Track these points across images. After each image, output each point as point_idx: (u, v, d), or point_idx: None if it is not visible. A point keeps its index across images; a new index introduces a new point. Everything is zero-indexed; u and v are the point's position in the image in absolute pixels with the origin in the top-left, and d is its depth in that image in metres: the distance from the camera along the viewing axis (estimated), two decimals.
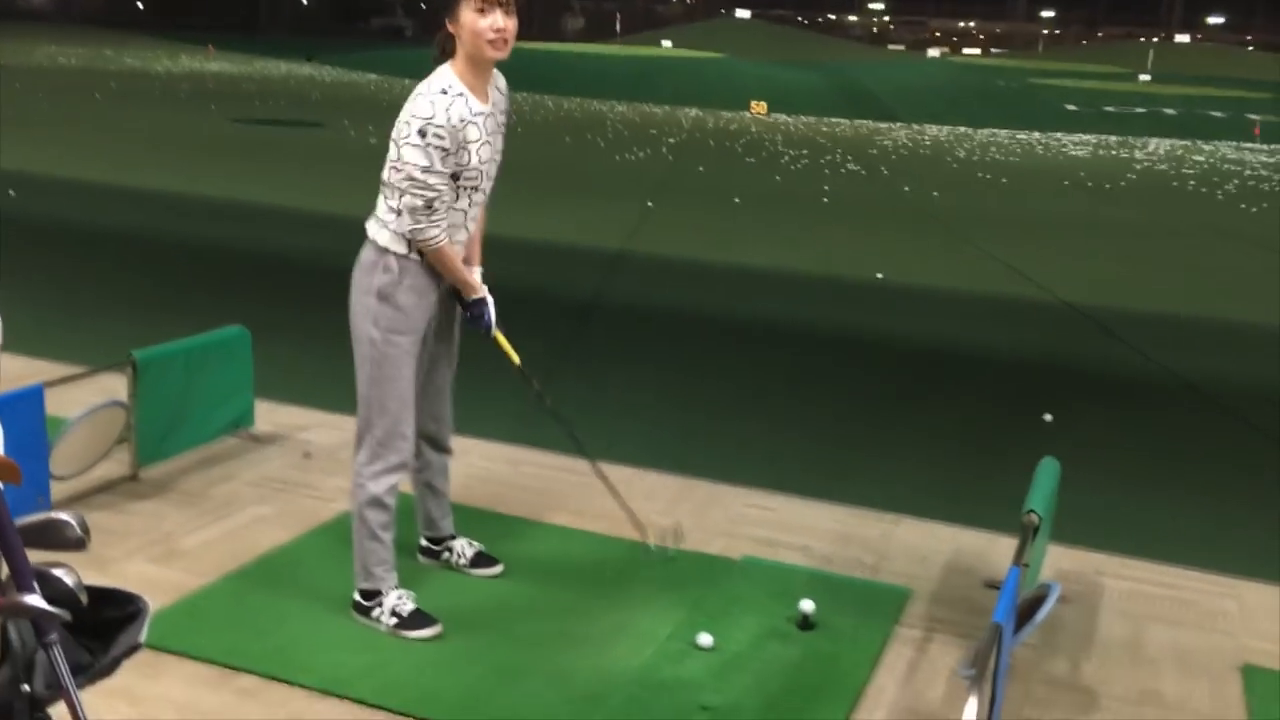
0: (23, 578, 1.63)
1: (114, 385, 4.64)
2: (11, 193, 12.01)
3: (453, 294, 3.56)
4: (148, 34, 69.62)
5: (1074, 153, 29.33)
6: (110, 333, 6.47)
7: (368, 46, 61.45)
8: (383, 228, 3.34)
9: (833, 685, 3.28)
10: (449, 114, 3.20)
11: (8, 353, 5.66)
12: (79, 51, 47.61)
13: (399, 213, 3.29)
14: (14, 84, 28.25)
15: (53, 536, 1.73)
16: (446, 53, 3.33)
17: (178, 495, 4.40)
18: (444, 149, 3.20)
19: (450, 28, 3.27)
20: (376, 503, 3.46)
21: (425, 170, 3.20)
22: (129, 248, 9.96)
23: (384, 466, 3.45)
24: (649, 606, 3.69)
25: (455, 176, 3.29)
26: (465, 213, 3.41)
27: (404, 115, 3.23)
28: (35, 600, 1.61)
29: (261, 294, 8.29)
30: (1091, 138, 35.24)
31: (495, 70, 3.42)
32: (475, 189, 3.38)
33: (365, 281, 3.36)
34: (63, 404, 4.37)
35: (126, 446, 4.44)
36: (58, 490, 4.14)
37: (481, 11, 3.20)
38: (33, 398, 4.01)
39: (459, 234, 3.43)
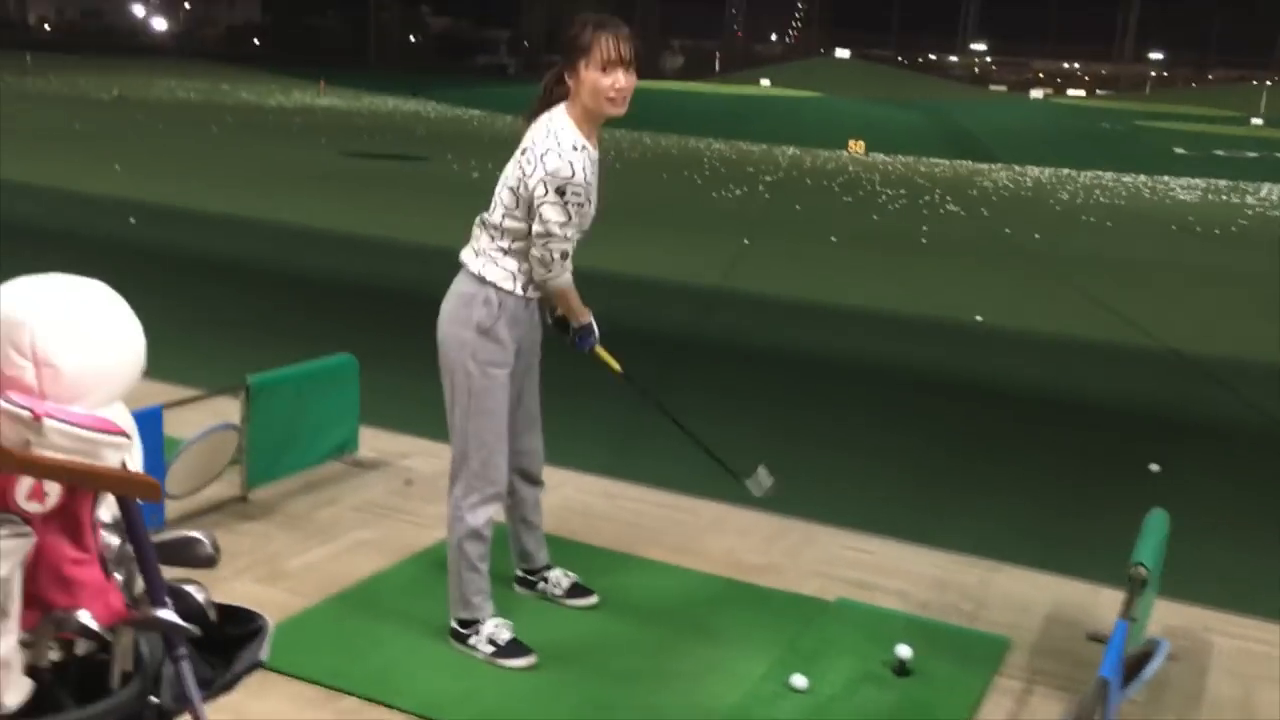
0: (157, 592, 1.70)
1: (228, 408, 4.79)
2: (132, 220, 12.51)
3: (557, 323, 3.65)
4: (263, 69, 72.05)
5: (1182, 197, 28.59)
6: (225, 357, 6.69)
7: (472, 83, 62.73)
8: (490, 264, 3.41)
9: None
10: (585, 172, 3.32)
11: None
12: (198, 85, 49.44)
13: (510, 254, 3.39)
14: (135, 115, 29.45)
15: (186, 554, 1.81)
16: (554, 97, 3.41)
17: (284, 517, 4.52)
18: (580, 204, 3.32)
19: (568, 78, 3.35)
20: (474, 535, 3.52)
21: (563, 225, 3.31)
22: (243, 275, 10.30)
23: (480, 498, 3.51)
24: (743, 645, 3.69)
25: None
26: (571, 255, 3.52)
27: (537, 172, 3.29)
28: (168, 615, 1.68)
29: (368, 322, 8.50)
30: (1201, 182, 34.30)
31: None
32: (583, 230, 3.48)
33: (462, 314, 3.43)
34: (179, 425, 4.53)
35: (238, 468, 4.58)
36: (171, 509, 4.28)
37: (604, 71, 3.28)
38: (152, 419, 4.16)
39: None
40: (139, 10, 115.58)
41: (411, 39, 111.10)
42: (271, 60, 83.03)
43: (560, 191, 3.27)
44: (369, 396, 5.20)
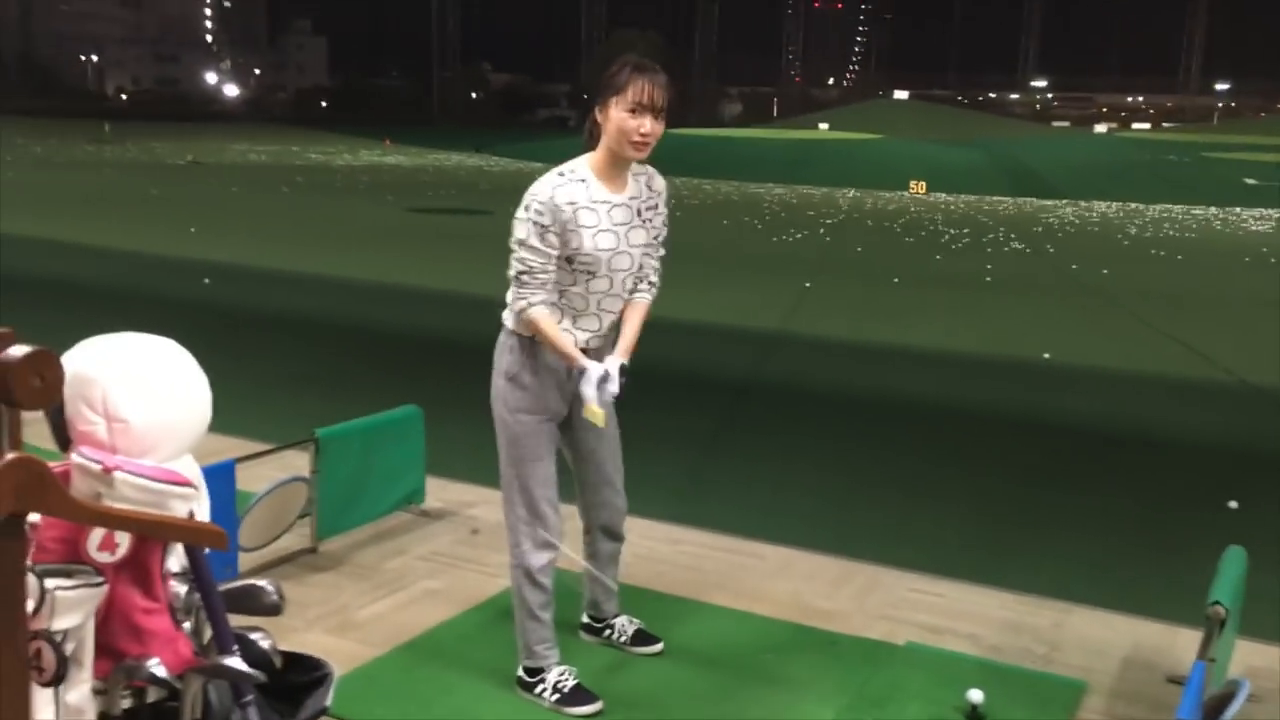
0: (224, 640, 1.75)
1: (298, 462, 4.88)
2: (206, 280, 12.84)
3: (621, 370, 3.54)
4: (330, 130, 73.80)
5: (1255, 228, 28.04)
6: (295, 411, 6.81)
7: (533, 136, 63.65)
8: (508, 311, 3.47)
9: None
10: (554, 194, 3.29)
11: None
12: (268, 148, 50.76)
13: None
14: (209, 179, 30.30)
15: (251, 602, 1.85)
16: (594, 138, 3.44)
17: (353, 568, 4.58)
18: (542, 225, 3.27)
19: (598, 115, 3.35)
20: (533, 582, 3.53)
21: (520, 243, 3.30)
22: (313, 331, 10.50)
23: (532, 544, 3.52)
24: (810, 691, 3.65)
25: (570, 260, 3.35)
26: (586, 298, 3.42)
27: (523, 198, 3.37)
28: (235, 662, 1.72)
29: (434, 374, 8.61)
30: (1273, 212, 33.61)
31: (651, 169, 3.51)
32: (592, 275, 3.38)
33: (497, 363, 3.50)
34: (251, 479, 4.62)
35: (308, 520, 4.66)
36: (244, 561, 4.37)
37: (633, 113, 3.28)
38: (225, 473, 4.26)
39: (588, 321, 3.45)
40: (211, 78, 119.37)
41: (474, 95, 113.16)
42: (338, 121, 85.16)
43: (526, 208, 3.30)
44: (435, 447, 5.27)
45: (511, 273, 3.35)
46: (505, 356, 3.47)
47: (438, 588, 4.40)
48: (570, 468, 3.73)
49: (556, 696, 3.51)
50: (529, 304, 3.32)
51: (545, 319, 3.34)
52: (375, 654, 3.82)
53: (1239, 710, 3.10)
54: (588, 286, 3.40)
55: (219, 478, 4.25)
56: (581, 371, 3.36)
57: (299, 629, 3.99)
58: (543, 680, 3.54)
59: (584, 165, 3.39)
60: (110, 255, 15.00)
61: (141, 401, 1.72)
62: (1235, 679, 3.17)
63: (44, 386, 1.36)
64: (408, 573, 4.54)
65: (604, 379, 3.35)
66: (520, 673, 3.59)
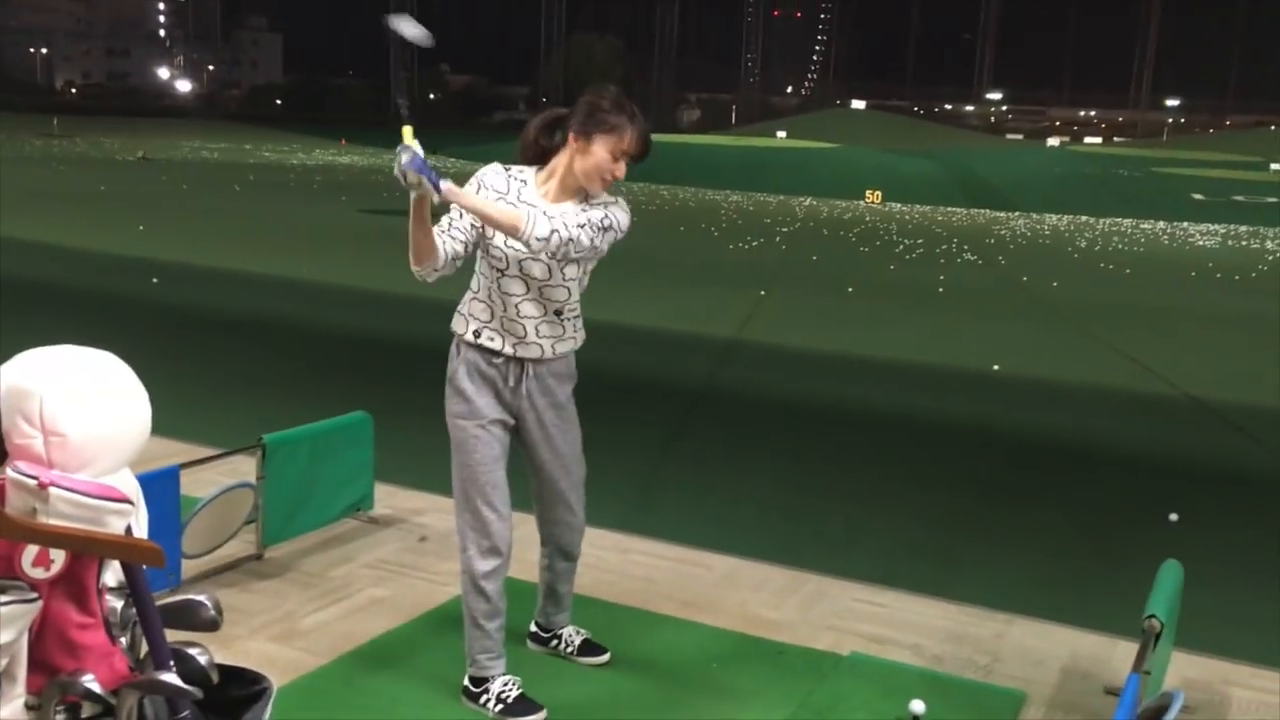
0: (161, 655, 1.73)
1: (244, 467, 4.84)
2: (155, 280, 12.68)
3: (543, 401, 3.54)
4: (285, 129, 73.14)
5: (1201, 243, 28.59)
6: (242, 415, 6.75)
7: (489, 139, 63.44)
8: (456, 311, 3.50)
9: None
10: (485, 174, 3.41)
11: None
12: (221, 146, 50.23)
13: (468, 297, 3.48)
14: (160, 176, 29.93)
15: (189, 617, 1.84)
16: (539, 148, 3.44)
17: (299, 575, 4.54)
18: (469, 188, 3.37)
19: (573, 140, 3.33)
20: (477, 590, 3.51)
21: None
22: (263, 334, 10.41)
23: (477, 550, 3.50)
24: (755, 701, 3.67)
25: (486, 250, 3.40)
26: (502, 298, 3.39)
27: None
28: (171, 678, 1.71)
29: (384, 378, 8.57)
30: (1220, 227, 34.31)
31: (621, 201, 3.48)
32: (501, 273, 3.37)
33: (448, 368, 3.52)
34: (196, 484, 4.58)
35: (254, 527, 4.61)
36: (188, 568, 4.32)
37: (615, 159, 3.32)
38: (169, 478, 4.21)
39: (512, 326, 3.41)
40: (164, 73, 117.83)
41: (431, 96, 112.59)
42: (293, 120, 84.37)
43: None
44: (384, 453, 5.24)
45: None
46: (450, 362, 3.50)
47: (384, 596, 4.38)
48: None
49: (500, 707, 3.50)
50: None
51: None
52: (320, 663, 3.79)
53: None
54: (498, 284, 3.39)
55: (163, 483, 4.21)
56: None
57: (243, 637, 3.96)
58: (487, 690, 3.54)
59: (530, 172, 3.45)
60: (57, 253, 14.78)
61: (79, 415, 1.71)
62: (1170, 691, 3.23)
63: None
64: (354, 580, 4.52)
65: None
66: (466, 682, 3.59)
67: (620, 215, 3.41)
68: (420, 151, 3.12)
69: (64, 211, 19.99)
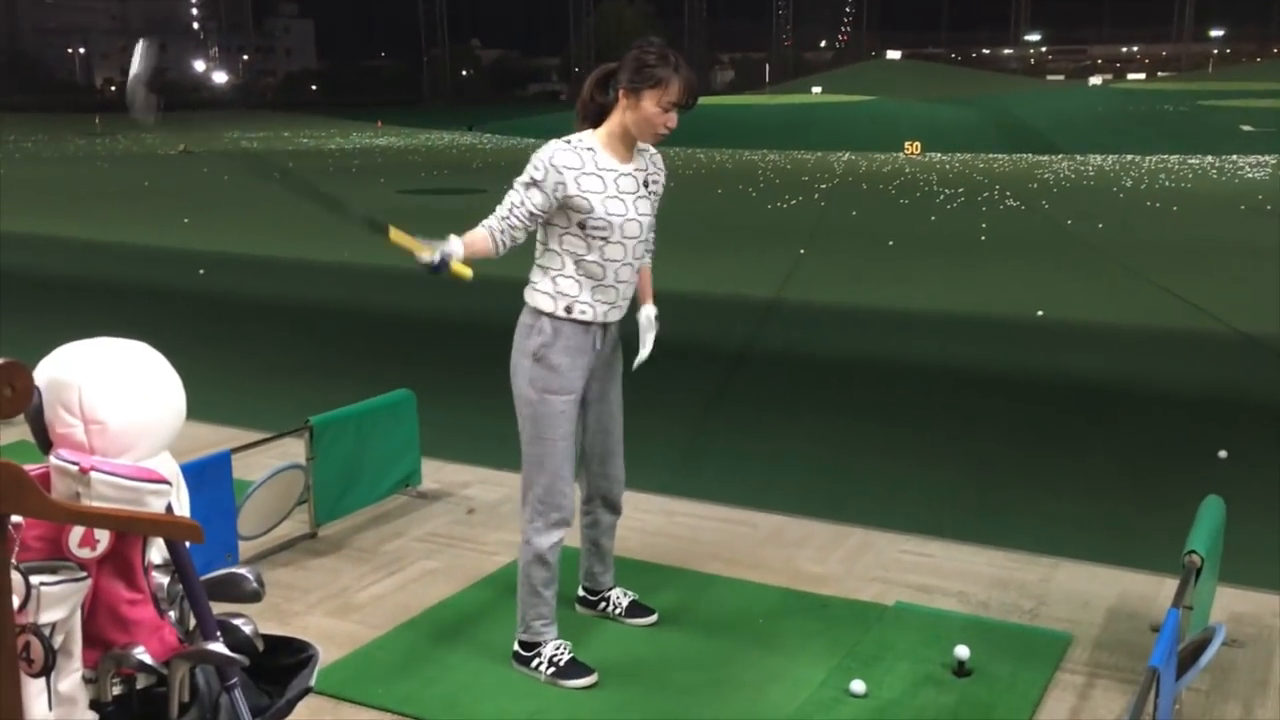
0: (208, 627, 1.81)
1: (294, 449, 4.95)
2: (201, 271, 12.89)
3: (607, 359, 3.66)
4: (321, 114, 73.60)
5: (1251, 175, 27.99)
6: (291, 398, 6.88)
7: (525, 112, 63.52)
8: (533, 290, 3.52)
9: None
10: (554, 155, 3.40)
11: (200, 420, 6.10)
12: (259, 135, 50.68)
13: (547, 275, 3.49)
14: (201, 168, 30.29)
15: (232, 589, 1.92)
16: (596, 105, 3.50)
17: (352, 551, 4.65)
18: (533, 179, 3.39)
19: (623, 97, 3.41)
20: (540, 560, 3.59)
21: (510, 186, 3.42)
22: (307, 318, 10.56)
23: (545, 523, 3.58)
24: (801, 653, 3.72)
25: (582, 226, 3.43)
26: (603, 266, 3.48)
27: None
28: (219, 647, 1.79)
29: (428, 356, 8.68)
30: (1271, 158, 33.54)
31: (652, 148, 3.60)
32: (606, 241, 3.45)
33: (522, 344, 3.53)
34: (248, 468, 4.70)
35: (306, 506, 4.73)
36: (245, 549, 4.44)
37: (665, 109, 3.39)
38: (221, 463, 4.33)
39: (605, 293, 3.51)
40: (200, 65, 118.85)
41: (464, 73, 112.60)
42: (329, 104, 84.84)
43: (530, 164, 3.41)
44: (429, 429, 5.33)
45: (500, 205, 3.43)
46: (533, 337, 3.50)
47: (436, 567, 4.48)
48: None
49: (552, 670, 3.58)
50: (488, 229, 3.42)
51: (482, 244, 3.42)
52: (376, 634, 3.90)
53: (1220, 655, 3.18)
54: (603, 253, 3.46)
55: (216, 468, 4.32)
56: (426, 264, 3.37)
57: (300, 613, 4.07)
58: (538, 654, 3.61)
59: (591, 137, 3.48)
60: (104, 249, 15.06)
61: (117, 403, 1.79)
62: (1212, 625, 3.24)
63: (14, 396, 1.42)
64: (406, 554, 4.62)
65: (645, 327, 3.64)
66: (516, 647, 3.67)
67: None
68: (426, 256, 3.35)
69: (110, 209, 20.33)
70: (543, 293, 3.49)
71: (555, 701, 3.47)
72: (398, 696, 3.49)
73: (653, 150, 3.62)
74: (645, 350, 3.73)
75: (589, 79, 3.55)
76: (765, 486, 5.59)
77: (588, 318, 3.50)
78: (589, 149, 3.45)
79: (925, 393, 7.73)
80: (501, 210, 3.44)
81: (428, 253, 3.34)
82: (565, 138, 3.47)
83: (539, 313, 3.49)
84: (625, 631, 3.92)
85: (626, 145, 3.49)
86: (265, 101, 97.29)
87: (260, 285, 12.33)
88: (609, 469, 3.81)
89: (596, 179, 3.42)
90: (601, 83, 3.51)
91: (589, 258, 3.46)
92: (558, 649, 3.62)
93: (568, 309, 3.48)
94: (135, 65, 2.85)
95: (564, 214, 3.43)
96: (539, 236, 3.51)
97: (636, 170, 3.53)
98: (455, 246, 3.36)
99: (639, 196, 3.52)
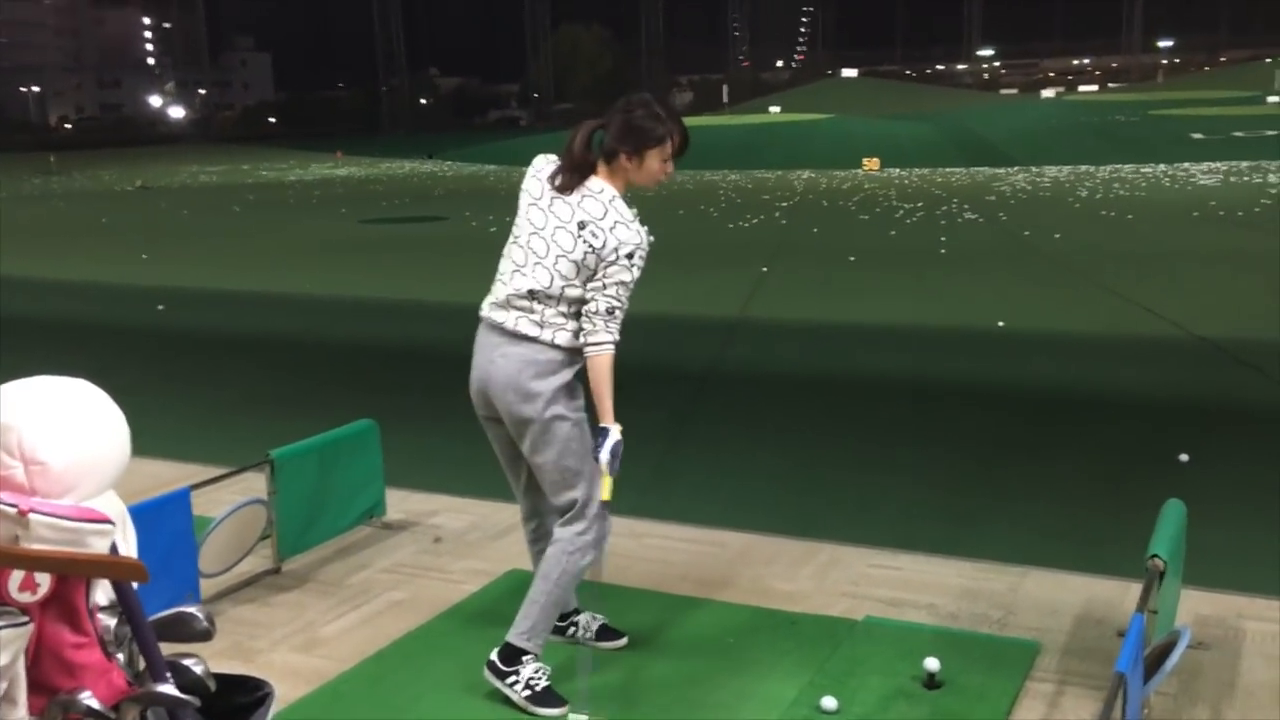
0: (157, 668, 1.77)
1: (255, 484, 4.89)
2: (160, 307, 12.76)
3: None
4: (280, 146, 73.29)
5: (1203, 182, 28.40)
6: (251, 432, 6.79)
7: (485, 139, 63.44)
8: (561, 331, 3.53)
9: None
10: (647, 239, 3.58)
11: (160, 457, 6.01)
12: (218, 169, 50.34)
13: (571, 318, 3.54)
14: (159, 204, 30.04)
15: (182, 629, 1.88)
16: (585, 167, 3.57)
17: (317, 585, 4.59)
18: (642, 269, 3.56)
19: (626, 159, 3.55)
20: (579, 575, 3.64)
21: (623, 285, 3.53)
22: (268, 351, 10.46)
23: (595, 538, 3.62)
24: (773, 672, 3.71)
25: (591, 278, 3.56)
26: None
27: (609, 243, 3.48)
28: (169, 689, 1.75)
29: (391, 385, 8.61)
30: (1221, 165, 34.06)
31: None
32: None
33: (549, 379, 3.52)
34: (209, 504, 4.64)
35: (269, 541, 4.66)
36: (207, 587, 4.37)
37: (666, 161, 3.58)
38: (180, 501, 4.26)
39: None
40: (156, 101, 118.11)
41: (423, 101, 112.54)
42: (288, 136, 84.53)
43: (630, 255, 3.50)
44: (394, 458, 5.28)
45: (603, 307, 3.50)
46: (563, 372, 3.54)
47: (402, 598, 4.43)
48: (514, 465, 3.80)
49: (528, 693, 3.54)
50: (615, 340, 3.53)
51: (612, 366, 3.54)
52: (342, 668, 3.84)
53: (1186, 657, 3.19)
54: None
55: (175, 505, 4.26)
56: (605, 432, 3.49)
57: (265, 649, 4.01)
58: (517, 674, 3.56)
59: (622, 202, 3.60)
60: (62, 288, 14.87)
61: (57, 443, 1.75)
62: (1178, 627, 3.26)
63: None
64: (372, 586, 4.56)
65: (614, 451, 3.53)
66: (496, 656, 3.59)
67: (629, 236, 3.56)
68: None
69: (66, 247, 20.10)
70: (570, 333, 3.54)
71: None
72: None
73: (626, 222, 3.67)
74: (605, 461, 3.56)
75: (578, 135, 3.60)
76: (734, 505, 5.58)
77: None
78: (609, 200, 3.56)
79: (890, 405, 7.76)
80: (609, 312, 3.51)
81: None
82: (628, 212, 3.57)
83: (563, 350, 3.54)
84: (595, 657, 3.88)
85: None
86: (223, 135, 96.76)
87: (219, 319, 12.21)
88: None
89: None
90: (589, 139, 3.59)
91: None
92: (537, 672, 3.58)
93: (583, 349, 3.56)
94: None
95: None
96: (565, 284, 3.52)
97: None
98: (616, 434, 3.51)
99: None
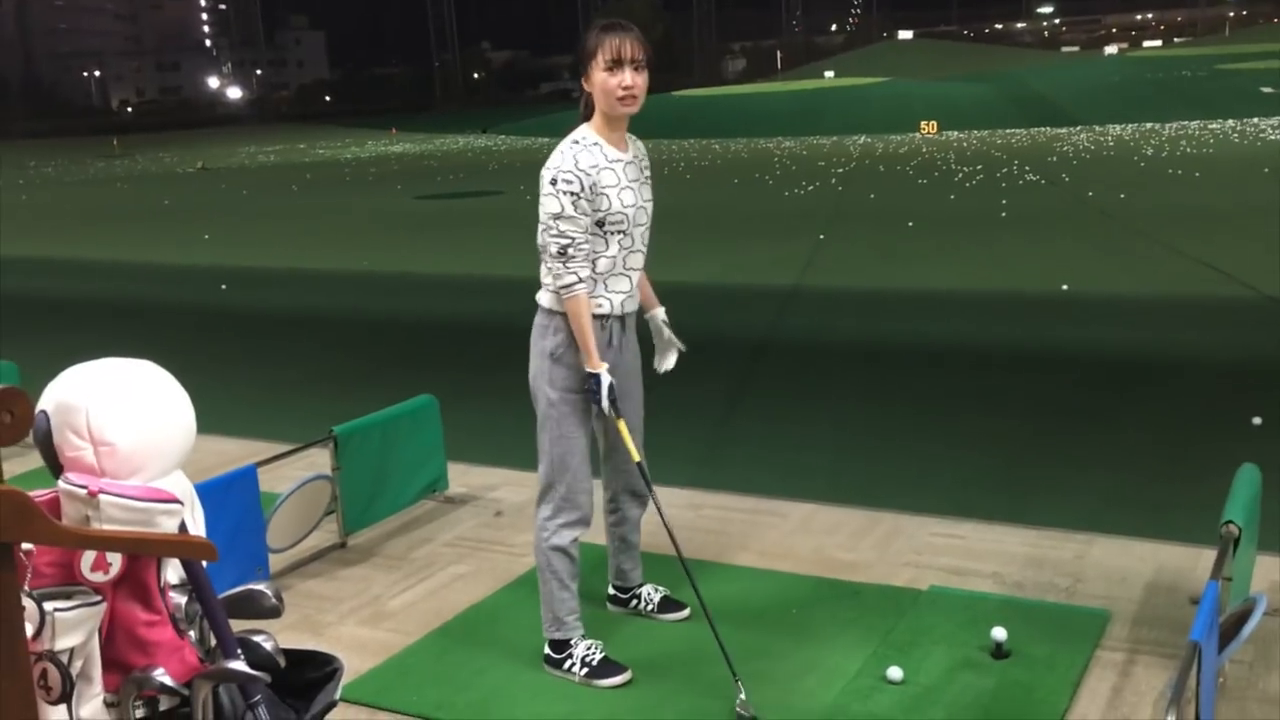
0: (228, 645, 1.80)
1: (320, 460, 4.95)
2: (223, 287, 12.95)
3: (622, 353, 3.62)
4: (335, 124, 73.90)
5: (1274, 137, 27.64)
6: (315, 409, 6.88)
7: (537, 112, 63.40)
8: (545, 290, 3.49)
9: (1030, 715, 3.20)
10: (577, 159, 3.35)
11: (225, 435, 6.12)
12: (275, 148, 50.90)
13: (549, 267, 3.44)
14: (220, 184, 30.45)
15: (251, 606, 1.90)
16: (589, 107, 3.48)
17: (382, 559, 4.65)
18: (574, 193, 3.32)
19: (585, 86, 3.43)
20: (563, 552, 3.59)
21: (555, 217, 3.33)
22: (328, 328, 10.58)
23: (565, 521, 3.57)
24: (836, 642, 3.69)
25: (600, 224, 3.40)
26: (617, 259, 3.47)
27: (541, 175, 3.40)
28: (240, 665, 1.78)
29: (450, 361, 8.67)
30: None
31: (631, 135, 3.57)
32: (623, 233, 3.45)
33: (539, 345, 3.52)
34: (274, 481, 4.70)
35: (334, 516, 4.73)
36: (275, 562, 4.44)
37: (610, 70, 3.35)
38: (247, 478, 4.32)
39: (619, 282, 3.50)
40: (214, 82, 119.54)
41: (475, 75, 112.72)
42: (343, 114, 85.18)
43: (553, 181, 3.33)
44: (454, 433, 5.32)
45: (552, 250, 3.35)
46: (549, 338, 3.48)
47: (466, 571, 4.47)
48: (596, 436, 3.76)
49: (585, 670, 3.56)
50: (579, 279, 3.36)
51: (585, 307, 3.38)
52: (409, 641, 3.89)
53: (1262, 625, 3.12)
54: (620, 245, 3.45)
55: (241, 483, 4.32)
56: (596, 379, 3.40)
57: (333, 623, 4.07)
58: (570, 655, 3.59)
59: (588, 130, 3.45)
60: (127, 270, 15.15)
61: (125, 424, 1.77)
62: (1253, 596, 3.18)
63: (13, 422, 1.40)
64: (436, 559, 4.61)
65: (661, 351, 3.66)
66: (547, 650, 3.64)
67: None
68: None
69: (131, 229, 20.46)
70: (554, 292, 3.45)
71: (590, 702, 3.45)
72: (431, 703, 3.48)
73: (633, 137, 3.60)
74: (671, 358, 3.75)
75: (584, 97, 3.53)
76: (792, 475, 5.55)
77: (604, 310, 3.48)
78: (595, 144, 3.42)
79: (951, 373, 7.66)
80: (559, 253, 3.35)
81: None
82: (571, 137, 3.43)
83: (552, 313, 3.47)
84: (658, 628, 3.90)
85: (617, 131, 3.48)
86: (280, 114, 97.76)
87: (281, 298, 12.37)
88: (630, 463, 3.77)
89: (610, 172, 3.41)
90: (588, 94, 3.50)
91: (608, 253, 3.44)
92: (589, 649, 3.60)
93: (597, 304, 3.46)
94: None
95: (595, 220, 3.41)
96: (540, 243, 3.47)
97: (634, 158, 3.53)
98: (605, 376, 3.42)
99: (641, 183, 3.53)
